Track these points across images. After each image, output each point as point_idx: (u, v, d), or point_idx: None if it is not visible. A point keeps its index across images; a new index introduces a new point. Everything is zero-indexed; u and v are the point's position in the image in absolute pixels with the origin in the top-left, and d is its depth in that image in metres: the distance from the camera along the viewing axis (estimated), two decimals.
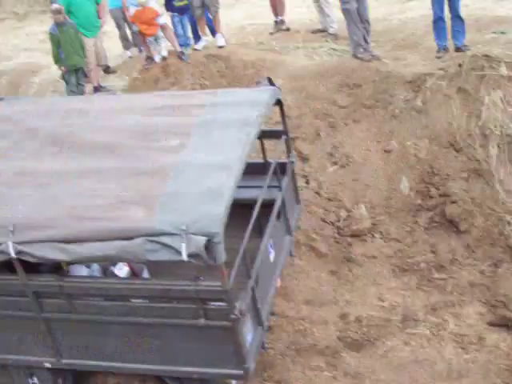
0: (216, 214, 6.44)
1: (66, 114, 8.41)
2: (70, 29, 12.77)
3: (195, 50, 13.81)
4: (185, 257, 6.38)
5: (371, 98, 11.92)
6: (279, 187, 8.46)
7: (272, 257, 8.08)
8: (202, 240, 6.32)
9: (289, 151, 9.07)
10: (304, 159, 11.53)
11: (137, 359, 7.56)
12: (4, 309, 7.73)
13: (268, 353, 9.18)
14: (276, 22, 14.63)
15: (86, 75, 13.44)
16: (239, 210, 7.14)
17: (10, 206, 7.19)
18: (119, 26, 14.74)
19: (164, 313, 7.17)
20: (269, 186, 8.11)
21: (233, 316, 6.85)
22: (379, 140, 11.61)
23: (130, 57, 14.79)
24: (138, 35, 13.98)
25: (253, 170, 7.83)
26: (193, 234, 6.37)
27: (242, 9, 17.21)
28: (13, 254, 6.92)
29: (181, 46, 13.58)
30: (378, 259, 10.46)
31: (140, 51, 14.64)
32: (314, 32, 14.25)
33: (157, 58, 13.43)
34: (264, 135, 8.59)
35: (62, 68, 13.05)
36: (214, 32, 14.11)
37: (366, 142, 11.63)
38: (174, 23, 13.78)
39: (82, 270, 8.22)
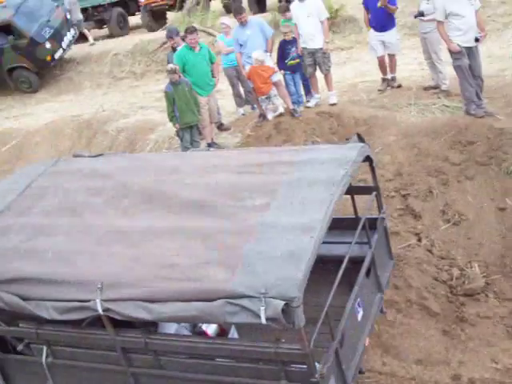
0: (295, 278, 6.33)
1: (159, 171, 8.58)
2: (184, 87, 13.14)
3: (307, 107, 13.98)
4: (263, 320, 6.30)
5: (484, 155, 11.77)
6: (369, 243, 8.33)
7: (360, 316, 7.91)
8: (280, 304, 6.21)
9: (380, 207, 8.93)
10: (416, 216, 11.43)
11: None
12: (96, 362, 7.83)
13: None
14: (383, 79, 14.65)
15: (200, 132, 13.78)
16: (329, 266, 7.22)
17: (99, 264, 7.31)
18: (233, 84, 15.06)
19: (247, 373, 7.12)
20: (359, 243, 8.06)
21: (313, 380, 6.72)
22: (493, 197, 11.42)
23: (243, 114, 15.08)
24: (251, 93, 14.27)
25: (344, 226, 7.97)
26: (272, 297, 6.28)
27: (353, 66, 17.32)
28: (100, 311, 7.02)
29: (293, 103, 13.77)
30: (492, 319, 10.18)
31: (253, 108, 14.94)
32: (426, 89, 14.20)
33: (269, 116, 13.65)
34: (355, 191, 8.63)
35: (177, 126, 13.42)
36: (308, 92, 14.31)
37: (480, 200, 11.45)
38: (286, 81, 14.02)
39: (171, 326, 8.19)
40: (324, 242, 6.91)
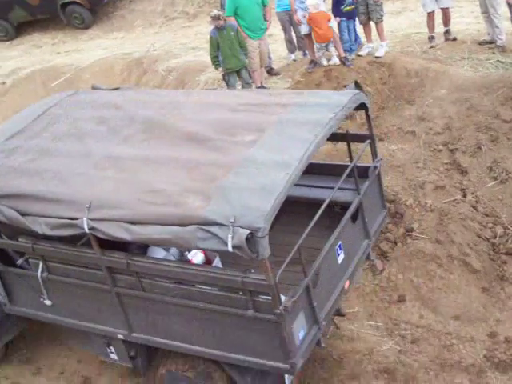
0: (263, 209, 6.68)
1: (165, 105, 9.05)
2: (229, 32, 13.06)
3: (359, 55, 13.83)
4: (230, 248, 6.68)
5: None
6: (357, 190, 8.53)
7: (341, 259, 8.22)
8: (245, 233, 6.58)
9: (374, 155, 9.11)
10: (463, 172, 11.33)
11: (196, 342, 8.00)
12: (85, 280, 8.37)
13: (411, 365, 9.12)
14: (430, 37, 14.35)
15: (250, 76, 13.74)
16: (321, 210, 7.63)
17: (91, 186, 7.83)
18: (285, 29, 14.92)
19: (218, 300, 7.54)
20: (350, 189, 8.48)
21: (277, 311, 7.07)
22: None
23: (294, 60, 14.97)
24: (302, 39, 14.13)
25: (338, 172, 8.26)
26: (239, 226, 6.65)
27: (407, 17, 17.04)
28: (86, 229, 7.53)
29: (345, 51, 13.63)
30: None
31: (304, 55, 14.81)
32: (481, 43, 13.94)
33: (324, 62, 13.52)
34: (350, 138, 9.11)
35: (220, 69, 13.43)
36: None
37: None
38: (340, 28, 13.85)
39: (160, 253, 8.70)
40: (316, 187, 7.76)
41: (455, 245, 10.32)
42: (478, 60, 13.34)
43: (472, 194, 11.06)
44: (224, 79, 13.56)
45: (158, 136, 8.37)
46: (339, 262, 8.22)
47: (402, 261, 10.43)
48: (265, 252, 6.67)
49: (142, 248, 8.72)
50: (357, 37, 14.33)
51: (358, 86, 8.66)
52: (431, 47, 14.20)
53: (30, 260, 8.79)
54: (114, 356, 9.11)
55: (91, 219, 7.49)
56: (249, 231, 6.59)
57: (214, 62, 13.41)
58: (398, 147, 11.90)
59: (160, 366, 8.66)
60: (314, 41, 13.63)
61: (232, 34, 13.01)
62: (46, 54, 20.37)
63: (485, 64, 13.16)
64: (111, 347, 8.98)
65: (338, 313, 8.94)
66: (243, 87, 13.35)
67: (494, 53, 13.51)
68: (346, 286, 8.45)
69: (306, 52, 14.50)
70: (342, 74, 13.26)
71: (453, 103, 12.20)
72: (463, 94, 12.31)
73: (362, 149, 8.78)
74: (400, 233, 10.71)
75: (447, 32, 14.37)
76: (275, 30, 16.19)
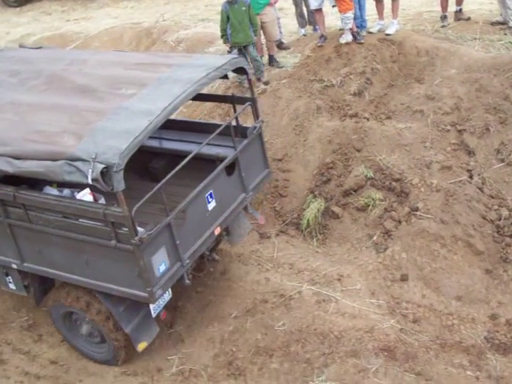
0: (119, 148, 7.60)
1: (71, 62, 10.10)
2: (241, 7, 12.94)
3: (370, 32, 13.74)
4: (90, 181, 7.63)
5: None
6: (234, 147, 9.48)
7: (211, 206, 9.14)
8: (100, 167, 7.52)
9: (255, 117, 9.96)
10: (470, 153, 11.30)
11: (73, 271, 8.98)
12: None
13: (412, 344, 9.15)
14: (443, 16, 14.22)
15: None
16: (201, 164, 9.03)
17: None
18: (296, 4, 14.83)
19: (89, 231, 8.43)
20: (229, 146, 9.53)
21: (133, 241, 7.95)
22: None
23: (304, 35, 14.88)
24: (313, 13, 14.03)
25: (226, 132, 9.29)
26: (98, 162, 7.58)
27: None
28: None
29: (356, 27, 13.54)
30: None
31: (315, 30, 14.72)
32: (493, 24, 13.82)
33: (349, 37, 13.39)
34: (236, 101, 10.16)
35: (227, 44, 13.37)
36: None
37: None
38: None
39: (53, 192, 9.48)
40: (199, 143, 8.98)
41: (460, 226, 10.31)
42: (490, 41, 13.24)
43: (478, 175, 11.03)
44: (228, 53, 13.48)
45: (56, 87, 9.38)
46: (209, 209, 9.14)
47: (405, 240, 10.43)
48: (119, 186, 7.61)
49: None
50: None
51: (240, 52, 9.62)
52: (443, 26, 14.08)
53: None
54: (12, 286, 9.99)
55: None
56: (104, 166, 7.52)
57: (222, 36, 13.34)
58: (405, 126, 11.85)
59: (49, 298, 9.74)
60: (342, 12, 13.38)
61: (243, 8, 12.90)
62: (56, 22, 20.38)
63: (496, 45, 13.06)
64: (9, 277, 9.88)
65: (212, 258, 10.21)
66: (251, 64, 13.29)
67: (505, 34, 13.39)
68: (217, 232, 9.37)
69: (317, 27, 14.40)
70: (352, 51, 13.18)
71: (462, 83, 12.12)
72: (473, 74, 12.23)
73: (240, 110, 9.91)
74: (405, 212, 10.71)
75: (459, 11, 14.25)
76: (286, 4, 16.11)
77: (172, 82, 8.79)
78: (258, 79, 13.43)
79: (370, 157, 11.50)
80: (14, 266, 9.53)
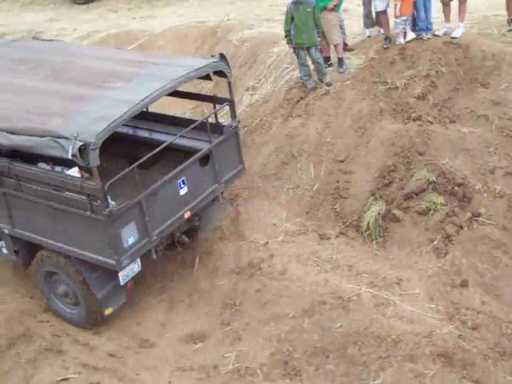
0: (96, 129, 8.87)
1: (73, 55, 11.72)
2: (306, 8, 12.94)
3: (435, 35, 13.61)
4: (70, 156, 8.90)
5: None
6: (209, 141, 10.69)
7: (183, 191, 10.33)
8: (78, 144, 8.79)
9: (233, 116, 11.29)
10: None
11: (54, 238, 10.15)
12: None
13: (470, 351, 9.07)
14: (509, 20, 13.92)
15: (321, 51, 13.68)
16: (178, 154, 10.57)
17: None
18: (364, 3, 14.68)
19: (69, 202, 9.64)
20: (204, 140, 10.77)
21: (104, 212, 9.19)
22: None
23: (369, 36, 14.79)
24: (381, 14, 13.92)
25: (205, 128, 10.59)
26: (78, 140, 8.83)
27: None
28: None
29: (421, 30, 13.43)
30: None
31: (379, 32, 14.60)
32: None
33: (401, 40, 13.34)
34: (216, 101, 11.30)
35: (290, 45, 13.39)
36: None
37: None
38: (417, 6, 13.59)
39: (44, 167, 10.50)
40: (183, 137, 10.53)
41: None
42: None
43: None
44: (295, 52, 13.52)
45: (54, 76, 10.82)
46: (181, 193, 10.33)
47: (466, 245, 10.35)
48: (94, 162, 8.87)
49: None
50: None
51: (223, 57, 10.78)
52: (510, 30, 13.87)
53: None
54: (4, 250, 11.24)
55: None
56: (82, 143, 8.78)
57: (286, 36, 13.38)
58: (469, 130, 11.74)
59: (35, 258, 10.83)
60: (394, 16, 13.40)
61: (308, 10, 12.91)
62: (121, 19, 20.59)
63: None
64: (2, 242, 11.18)
65: (181, 238, 11.02)
66: (314, 64, 13.35)
67: None
68: (187, 216, 10.52)
69: (380, 30, 14.30)
70: (416, 53, 13.08)
71: None
72: None
73: (217, 108, 11.18)
74: (466, 217, 10.62)
75: None
76: (351, 5, 16.06)
77: (155, 78, 10.07)
78: (321, 81, 13.43)
79: (432, 161, 11.41)
80: (6, 231, 10.79)
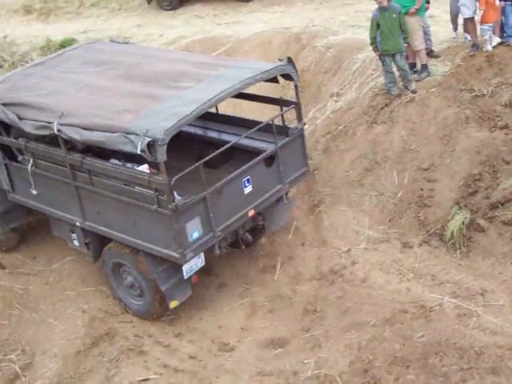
0: (164, 126, 9.23)
1: (145, 57, 12.17)
2: (392, 14, 12.88)
3: None
4: (139, 151, 9.27)
5: None
6: (275, 142, 10.90)
7: (248, 190, 10.56)
8: (147, 140, 9.16)
9: (298, 119, 11.40)
10: None
11: (123, 231, 10.55)
12: (58, 175, 11.10)
13: None
14: None
15: (407, 57, 13.59)
16: (246, 154, 10.87)
17: (67, 102, 10.77)
18: (452, 9, 14.47)
19: (138, 196, 10.01)
20: (270, 142, 11.01)
21: (170, 206, 9.48)
22: None
23: (454, 37, 14.54)
24: (468, 20, 13.71)
25: (272, 130, 10.85)
26: (147, 136, 9.20)
27: None
28: (55, 131, 10.36)
29: (509, 36, 13.21)
30: None
31: (466, 39, 14.38)
32: None
33: (489, 47, 13.15)
34: (283, 104, 11.51)
35: (377, 53, 13.38)
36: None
37: None
38: (505, 12, 13.39)
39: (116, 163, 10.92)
40: (249, 138, 10.88)
41: None
42: None
43: None
44: (380, 59, 13.46)
45: (128, 76, 11.28)
46: (245, 192, 10.57)
47: None
48: (162, 157, 9.22)
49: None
50: None
51: (290, 60, 10.91)
52: None
53: (25, 157, 11.52)
54: (76, 242, 11.71)
55: (60, 124, 10.29)
56: (151, 139, 9.15)
57: (372, 43, 13.36)
58: None
59: (105, 250, 11.26)
60: (480, 23, 13.22)
61: (394, 16, 12.84)
62: (207, 25, 20.80)
63: None
64: (74, 234, 11.60)
65: (245, 236, 11.27)
66: (399, 71, 13.30)
67: None
68: (250, 214, 10.74)
69: (467, 37, 14.08)
70: (504, 60, 12.90)
71: None
72: None
73: (284, 111, 11.35)
74: None
75: None
76: (437, 11, 15.87)
77: (223, 80, 10.37)
78: (406, 87, 13.34)
79: None
80: (78, 224, 11.24)
